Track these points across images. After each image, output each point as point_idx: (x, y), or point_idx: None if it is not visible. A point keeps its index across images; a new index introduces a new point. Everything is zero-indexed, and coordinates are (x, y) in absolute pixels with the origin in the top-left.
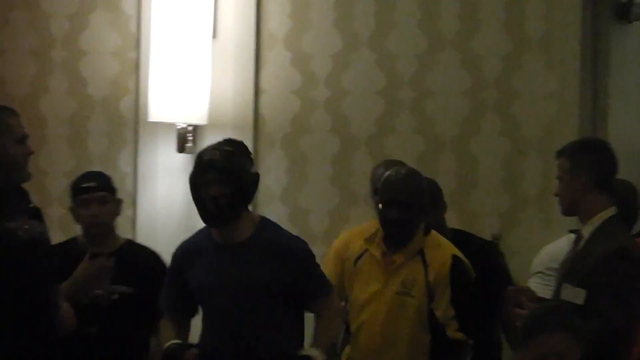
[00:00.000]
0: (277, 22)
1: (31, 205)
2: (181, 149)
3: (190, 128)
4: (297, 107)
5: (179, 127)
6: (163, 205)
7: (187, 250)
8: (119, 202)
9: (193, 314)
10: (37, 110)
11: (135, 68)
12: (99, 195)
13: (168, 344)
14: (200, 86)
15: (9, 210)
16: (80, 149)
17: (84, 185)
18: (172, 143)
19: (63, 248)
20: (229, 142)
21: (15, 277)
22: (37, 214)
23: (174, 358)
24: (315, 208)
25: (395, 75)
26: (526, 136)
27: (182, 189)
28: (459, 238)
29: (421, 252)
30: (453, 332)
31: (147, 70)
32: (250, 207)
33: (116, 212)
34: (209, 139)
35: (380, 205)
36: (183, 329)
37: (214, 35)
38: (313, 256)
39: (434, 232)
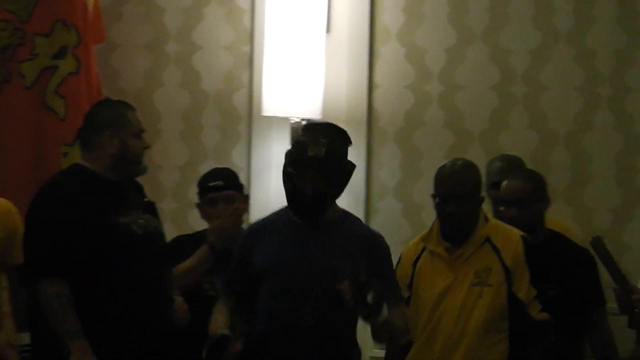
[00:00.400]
0: (391, 16)
1: (145, 199)
2: None
3: (303, 122)
4: (411, 102)
5: (292, 121)
6: (276, 199)
7: (259, 228)
8: (246, 199)
9: (252, 299)
10: (151, 104)
11: (249, 62)
12: (225, 194)
13: (216, 332)
14: (313, 80)
15: (124, 205)
16: (194, 143)
17: (211, 184)
18: (286, 137)
19: (193, 239)
20: (329, 131)
21: (130, 272)
22: (151, 208)
23: (219, 349)
24: (429, 203)
25: (509, 70)
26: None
27: None
28: (553, 240)
29: (488, 240)
30: (537, 313)
31: (261, 65)
32: (361, 201)
33: (244, 209)
34: None
35: (436, 200)
36: (237, 315)
37: (328, 30)
38: (391, 259)
39: (491, 218)
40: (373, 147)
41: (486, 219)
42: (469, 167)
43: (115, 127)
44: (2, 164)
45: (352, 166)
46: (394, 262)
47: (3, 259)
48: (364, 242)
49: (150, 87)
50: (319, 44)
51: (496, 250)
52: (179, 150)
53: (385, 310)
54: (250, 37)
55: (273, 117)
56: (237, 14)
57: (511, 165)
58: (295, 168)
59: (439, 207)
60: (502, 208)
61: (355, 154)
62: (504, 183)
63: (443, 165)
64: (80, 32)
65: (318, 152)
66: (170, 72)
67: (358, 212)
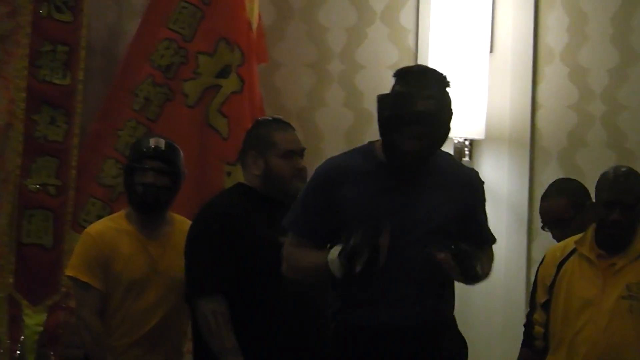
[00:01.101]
0: (554, 36)
1: None
2: None
3: (467, 142)
4: (574, 122)
5: (456, 141)
6: None
7: (343, 167)
8: None
9: (324, 245)
10: (313, 123)
11: None
12: None
13: (334, 255)
14: (477, 100)
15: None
16: None
17: None
18: None
19: None
20: (434, 78)
21: (287, 289)
22: None
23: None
24: None
25: None
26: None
27: None
28: None
29: None
30: None
31: None
32: (524, 222)
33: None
34: (487, 154)
35: (597, 206)
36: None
37: (491, 50)
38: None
39: None
40: (535, 167)
41: None
42: (635, 176)
43: (260, 148)
44: None
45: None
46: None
47: None
48: (464, 179)
49: (313, 106)
50: (483, 64)
51: None
52: None
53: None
54: (414, 56)
55: None
56: (401, 33)
57: None
58: (400, 123)
59: (600, 213)
60: None
61: (518, 174)
62: None
63: (606, 171)
64: (244, 51)
65: (428, 106)
66: (333, 92)
67: (521, 233)
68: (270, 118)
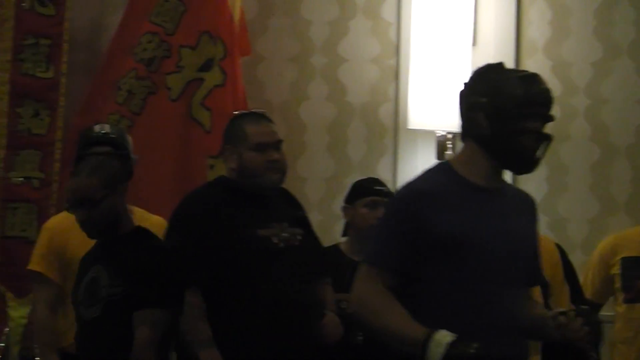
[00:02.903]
0: (537, 29)
1: (299, 212)
2: (441, 156)
3: (450, 136)
4: (557, 115)
5: (438, 134)
6: None
7: (428, 191)
8: None
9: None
10: (296, 116)
11: (394, 75)
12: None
13: (444, 339)
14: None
15: (267, 217)
16: (340, 156)
17: (378, 187)
18: (432, 151)
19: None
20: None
21: (266, 284)
22: (302, 222)
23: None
24: (575, 216)
25: None
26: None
27: None
28: None
29: None
30: None
31: (407, 78)
32: None
33: None
34: None
35: None
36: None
37: (474, 43)
38: None
39: None
40: None
41: None
42: None
43: (234, 141)
44: (148, 176)
45: None
46: None
47: None
48: (529, 203)
49: (296, 99)
50: (465, 57)
51: None
52: (324, 162)
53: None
54: (396, 50)
55: (419, 130)
56: (383, 27)
57: None
58: (532, 104)
59: None
60: None
61: None
62: None
63: None
64: (226, 44)
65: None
66: (316, 85)
67: None
68: (246, 112)
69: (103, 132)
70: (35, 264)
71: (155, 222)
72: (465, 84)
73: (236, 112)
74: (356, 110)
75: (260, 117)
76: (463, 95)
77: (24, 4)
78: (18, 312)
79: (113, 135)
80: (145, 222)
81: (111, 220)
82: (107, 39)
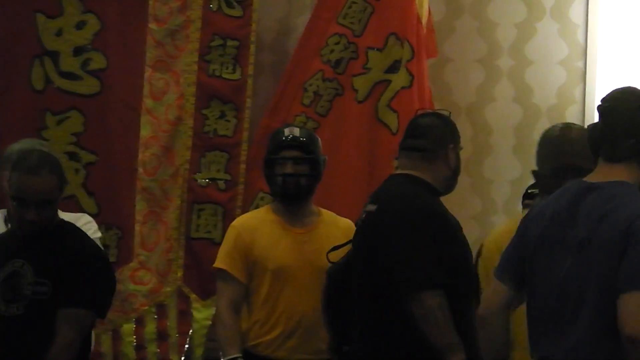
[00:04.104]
0: None
1: None
2: None
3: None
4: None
5: None
6: None
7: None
8: None
9: None
10: (483, 118)
11: (582, 77)
12: None
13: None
14: None
15: None
16: (526, 158)
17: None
18: None
19: None
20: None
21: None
22: None
23: None
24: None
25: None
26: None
27: None
28: None
29: None
30: None
31: (594, 80)
32: None
33: None
34: None
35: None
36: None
37: None
38: None
39: None
40: None
41: None
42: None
43: (457, 140)
44: (336, 177)
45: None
46: None
47: None
48: None
49: (482, 101)
50: None
51: None
52: (510, 164)
53: None
54: (583, 52)
55: None
56: (570, 29)
57: None
58: None
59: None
60: None
61: None
62: None
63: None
64: (413, 46)
65: None
66: (503, 87)
67: None
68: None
69: (292, 136)
70: (220, 262)
71: (343, 225)
72: None
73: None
74: (543, 113)
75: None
76: None
77: (211, 6)
78: (202, 314)
79: (303, 139)
80: (332, 225)
81: (53, 220)
82: (294, 41)
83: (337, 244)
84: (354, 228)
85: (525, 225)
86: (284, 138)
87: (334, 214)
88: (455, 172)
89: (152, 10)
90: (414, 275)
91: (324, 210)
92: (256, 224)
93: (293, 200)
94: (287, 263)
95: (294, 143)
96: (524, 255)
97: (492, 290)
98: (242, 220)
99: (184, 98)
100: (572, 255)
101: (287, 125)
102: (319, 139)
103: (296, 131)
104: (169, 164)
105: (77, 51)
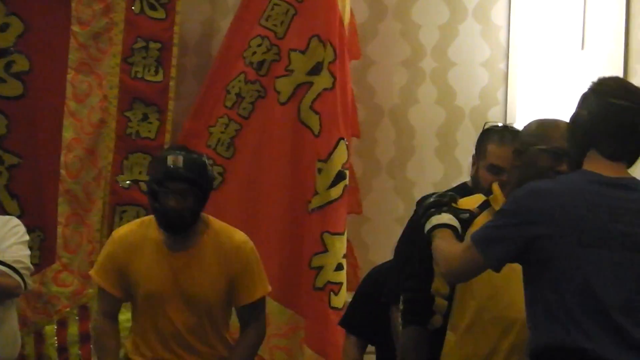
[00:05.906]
0: None
1: None
2: None
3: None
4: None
5: None
6: None
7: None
8: None
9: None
10: (406, 120)
11: (504, 79)
12: None
13: None
14: (569, 97)
15: None
16: (449, 160)
17: None
18: None
19: None
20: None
21: None
22: None
23: None
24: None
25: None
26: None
27: None
28: None
29: None
30: None
31: (516, 81)
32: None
33: None
34: None
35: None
36: None
37: (582, 47)
38: None
39: None
40: None
41: None
42: None
43: (477, 153)
44: (258, 179)
45: None
46: None
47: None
48: None
49: (405, 103)
50: (574, 61)
51: None
52: (433, 166)
53: None
54: (505, 54)
55: None
56: (493, 30)
57: None
58: None
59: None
60: None
61: None
62: None
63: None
64: (336, 48)
65: None
66: (426, 89)
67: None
68: (497, 127)
69: (175, 166)
70: (95, 272)
71: (234, 242)
72: None
73: (490, 125)
74: (465, 114)
75: (504, 137)
76: None
77: (134, 8)
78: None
79: (186, 171)
80: (218, 244)
81: None
82: (218, 43)
83: (217, 266)
84: (248, 243)
85: (529, 208)
86: (166, 170)
87: (228, 228)
88: (475, 184)
89: (75, 13)
90: None
91: (216, 224)
92: (137, 241)
93: (177, 233)
94: (158, 290)
95: (177, 176)
96: (532, 237)
97: (469, 259)
98: (122, 234)
99: (107, 100)
100: (630, 251)
101: (171, 151)
102: (205, 160)
103: (180, 161)
104: (92, 166)
105: (0, 54)
